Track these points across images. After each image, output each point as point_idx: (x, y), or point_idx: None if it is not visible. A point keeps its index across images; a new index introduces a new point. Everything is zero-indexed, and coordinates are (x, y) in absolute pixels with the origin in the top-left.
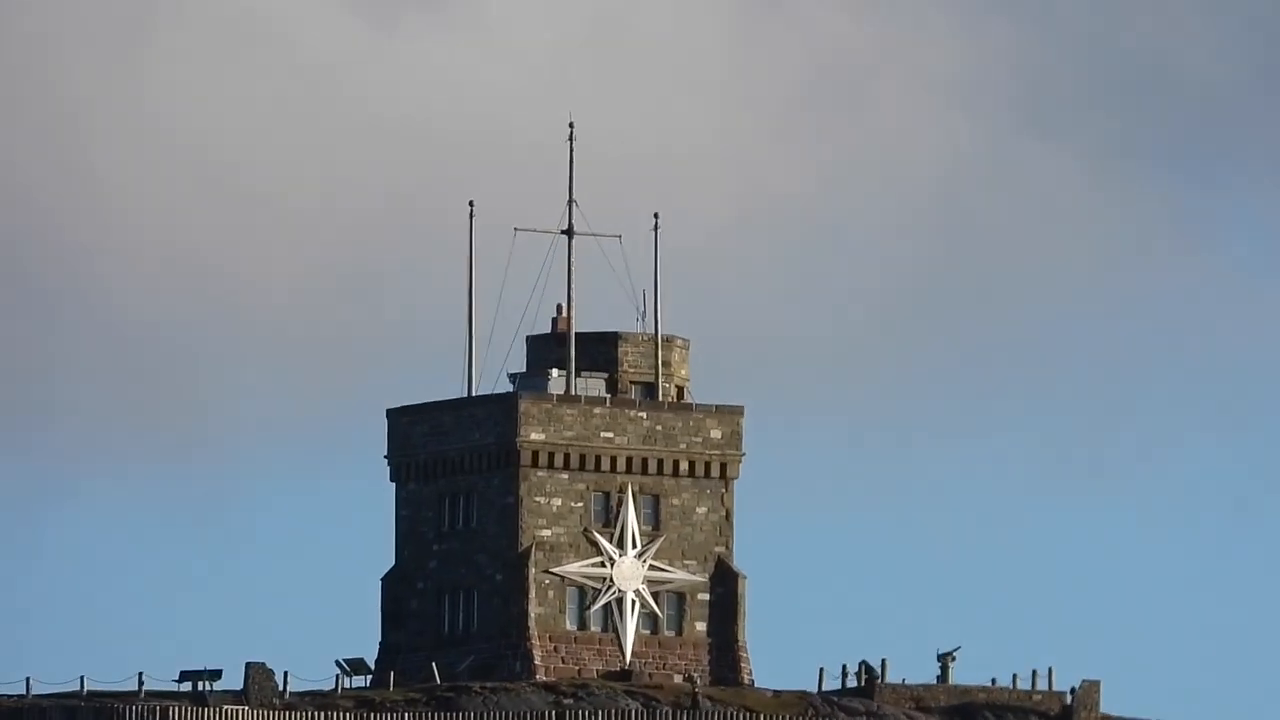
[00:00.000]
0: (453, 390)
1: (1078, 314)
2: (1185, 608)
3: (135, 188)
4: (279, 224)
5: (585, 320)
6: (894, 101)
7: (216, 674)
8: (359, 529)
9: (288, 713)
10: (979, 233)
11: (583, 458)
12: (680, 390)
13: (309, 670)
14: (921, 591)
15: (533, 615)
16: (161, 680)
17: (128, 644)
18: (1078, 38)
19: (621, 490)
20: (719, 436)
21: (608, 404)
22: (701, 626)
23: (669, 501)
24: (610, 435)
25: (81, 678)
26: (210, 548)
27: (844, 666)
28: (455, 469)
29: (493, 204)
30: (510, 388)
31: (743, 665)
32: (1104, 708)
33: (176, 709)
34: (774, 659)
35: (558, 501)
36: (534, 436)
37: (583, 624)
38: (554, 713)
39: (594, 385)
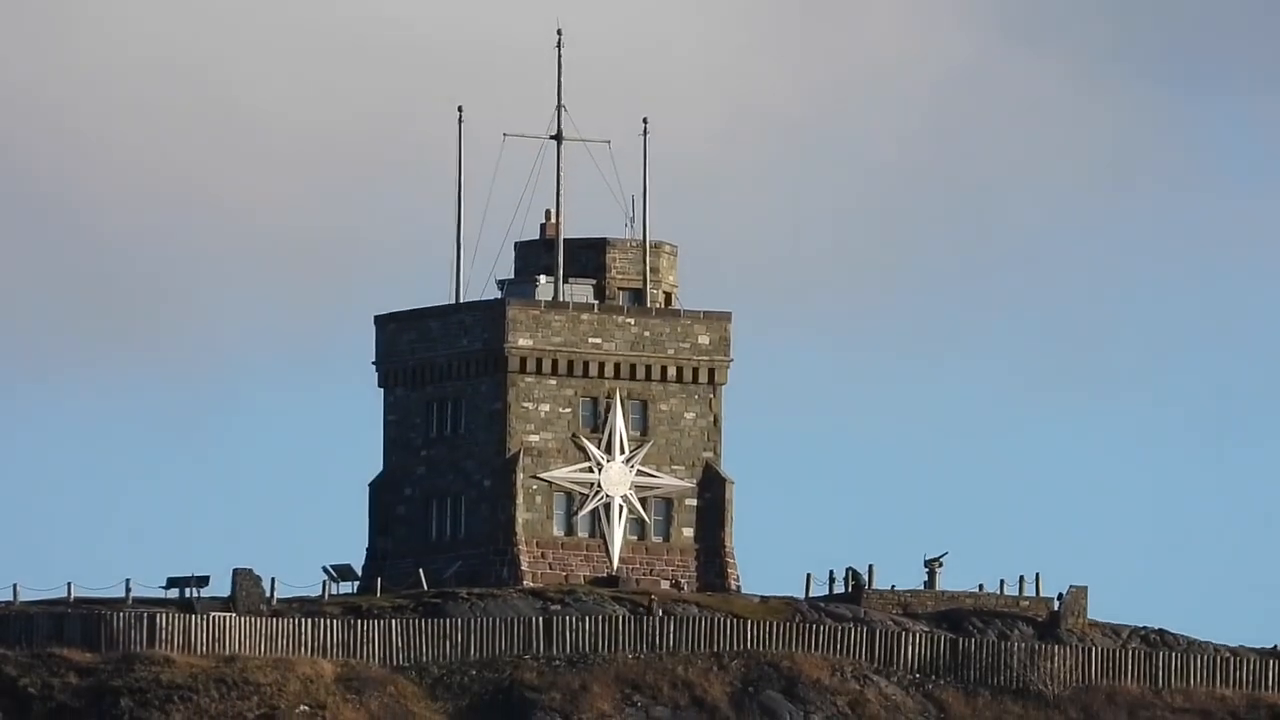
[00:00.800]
0: (441, 297)
1: (1067, 224)
2: (1171, 513)
3: (118, 100)
4: (266, 134)
5: (573, 226)
6: (884, 11)
7: (204, 580)
8: (347, 435)
9: (275, 619)
10: (969, 142)
11: (570, 364)
12: (668, 296)
13: (296, 577)
14: (908, 497)
15: (520, 521)
16: (149, 587)
17: (115, 551)
18: None
19: (609, 396)
20: (707, 342)
21: (595, 310)
22: (689, 532)
23: (657, 407)
24: (598, 341)
25: (69, 584)
26: (197, 454)
27: (831, 572)
28: (443, 375)
29: (481, 110)
30: (498, 294)
31: (730, 571)
32: (1091, 614)
33: (164, 616)
34: (761, 565)
35: (545, 407)
36: (522, 342)
37: (570, 530)
38: (541, 619)
39: (582, 291)
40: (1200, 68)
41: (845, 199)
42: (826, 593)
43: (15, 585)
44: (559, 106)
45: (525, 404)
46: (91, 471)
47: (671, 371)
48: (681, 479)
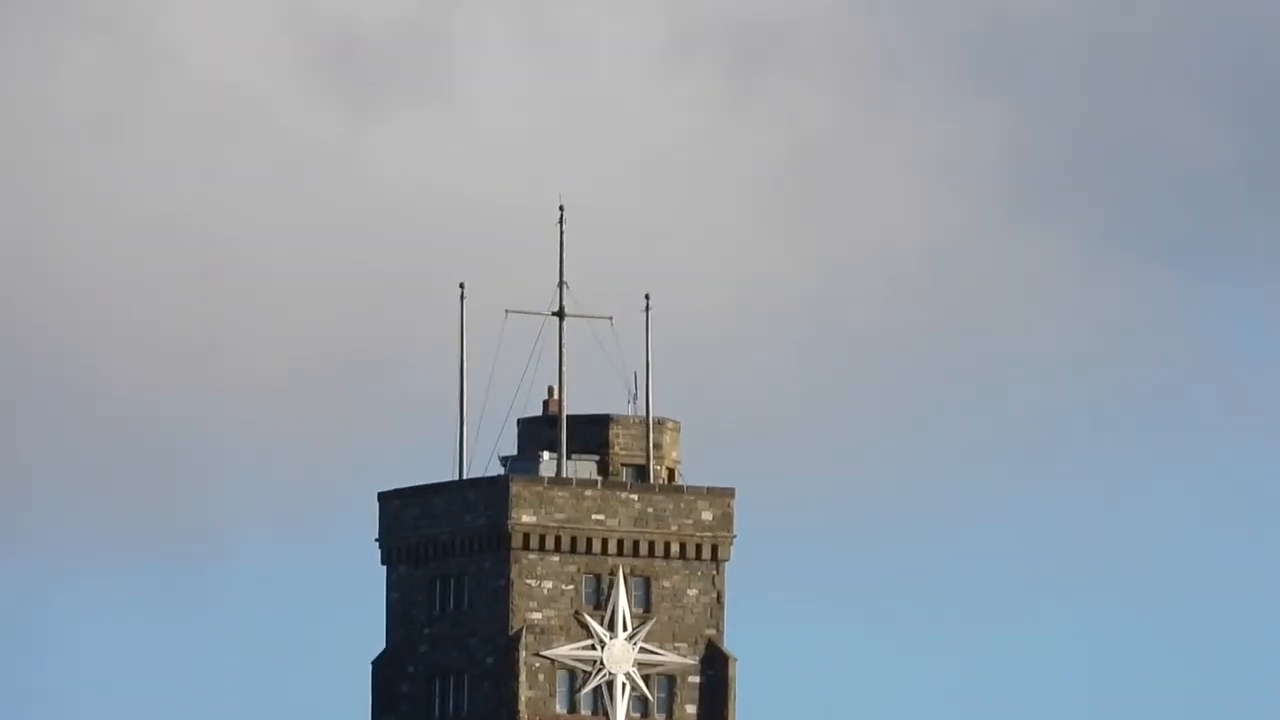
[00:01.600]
0: (443, 473)
1: (1072, 397)
2: (1185, 695)
3: (122, 274)
4: (269, 310)
5: (576, 403)
6: (886, 187)
7: None
8: (350, 612)
9: None
10: (973, 318)
11: (574, 540)
12: (671, 472)
13: None
14: (912, 675)
15: (523, 698)
16: None
17: None
18: (1065, 119)
19: (613, 573)
20: (710, 518)
21: (599, 486)
22: (692, 709)
23: (660, 584)
24: (601, 517)
25: None
26: (201, 633)
27: None
28: (446, 552)
29: (483, 286)
30: (501, 470)
31: None
32: None
33: None
34: None
35: (549, 584)
36: (525, 519)
37: (573, 707)
38: None
39: (585, 468)
40: (1202, 249)
41: (849, 374)
42: None
43: None
44: (561, 283)
45: (528, 581)
46: (91, 651)
47: (675, 548)
48: (684, 656)
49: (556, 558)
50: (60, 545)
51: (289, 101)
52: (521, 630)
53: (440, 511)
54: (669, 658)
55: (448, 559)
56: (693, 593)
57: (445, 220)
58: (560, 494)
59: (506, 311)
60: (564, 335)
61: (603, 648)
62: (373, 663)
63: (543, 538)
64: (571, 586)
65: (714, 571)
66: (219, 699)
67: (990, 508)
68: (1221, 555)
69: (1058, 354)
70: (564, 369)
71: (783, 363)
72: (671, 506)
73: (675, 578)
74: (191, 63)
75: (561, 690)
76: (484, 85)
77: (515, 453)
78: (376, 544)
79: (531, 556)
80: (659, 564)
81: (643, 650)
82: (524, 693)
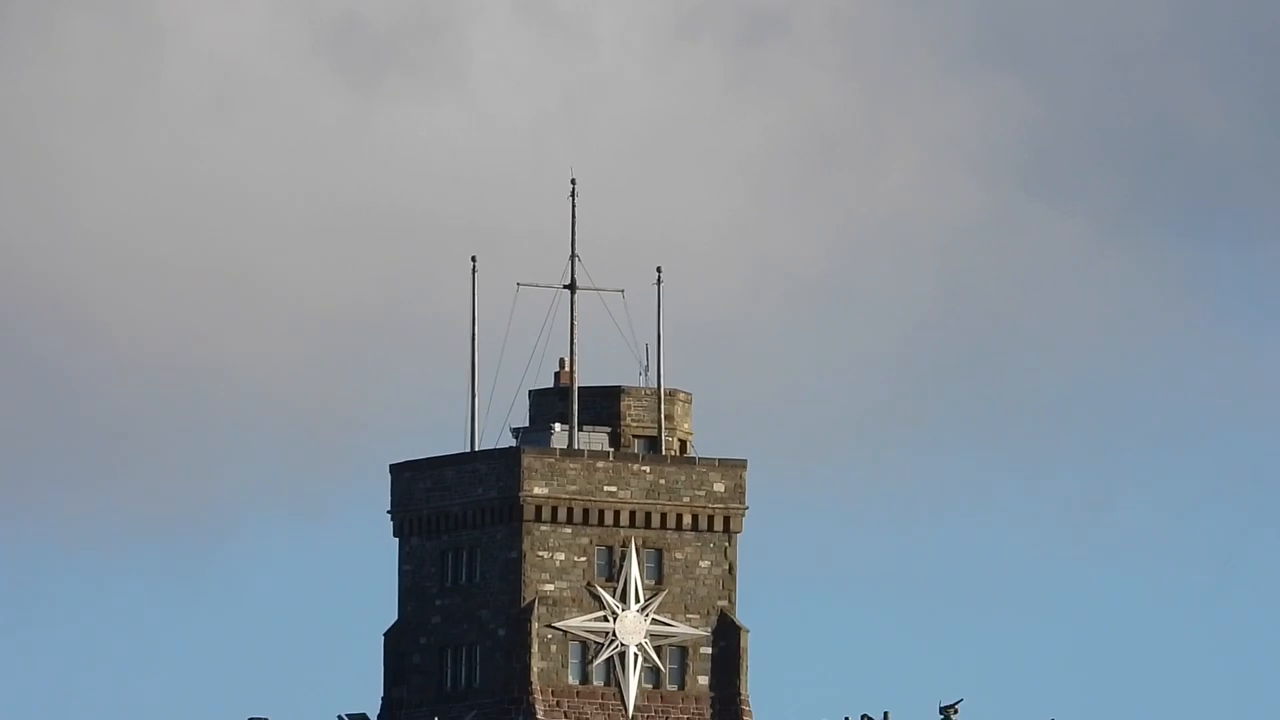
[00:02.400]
0: (455, 445)
1: (1084, 378)
2: (1191, 665)
3: (130, 266)
4: (282, 284)
5: (588, 375)
6: (900, 165)
7: None
8: (361, 584)
9: None
10: (986, 295)
11: (586, 512)
12: (683, 444)
13: None
14: (923, 645)
15: (535, 670)
16: None
17: (132, 702)
18: (1080, 97)
19: (624, 544)
20: (722, 490)
21: (611, 458)
22: (704, 680)
23: (672, 555)
24: (613, 489)
25: None
26: (211, 602)
27: (846, 719)
28: (458, 524)
29: (495, 260)
30: (513, 442)
31: (746, 719)
32: None
33: None
34: (777, 713)
35: (561, 556)
36: (537, 491)
37: (585, 678)
38: None
39: (597, 439)
40: (1217, 221)
41: (861, 347)
42: None
43: None
44: (573, 256)
45: (540, 553)
46: (103, 623)
47: (687, 520)
48: (696, 627)
49: (569, 529)
50: (67, 518)
51: (295, 81)
52: (534, 602)
53: (452, 483)
54: (681, 629)
55: (460, 531)
56: (705, 564)
57: (456, 194)
58: (572, 466)
59: (518, 284)
60: (575, 308)
61: (615, 619)
62: (384, 634)
63: (555, 509)
64: (584, 558)
65: (726, 543)
66: (230, 670)
67: (1002, 484)
68: (1232, 533)
69: (1070, 333)
70: (575, 341)
71: (795, 335)
72: (683, 478)
73: (687, 549)
74: (198, 45)
75: (574, 662)
76: (495, 59)
77: (527, 424)
78: (388, 516)
79: (543, 528)
80: (671, 535)
81: (655, 622)
82: (536, 664)
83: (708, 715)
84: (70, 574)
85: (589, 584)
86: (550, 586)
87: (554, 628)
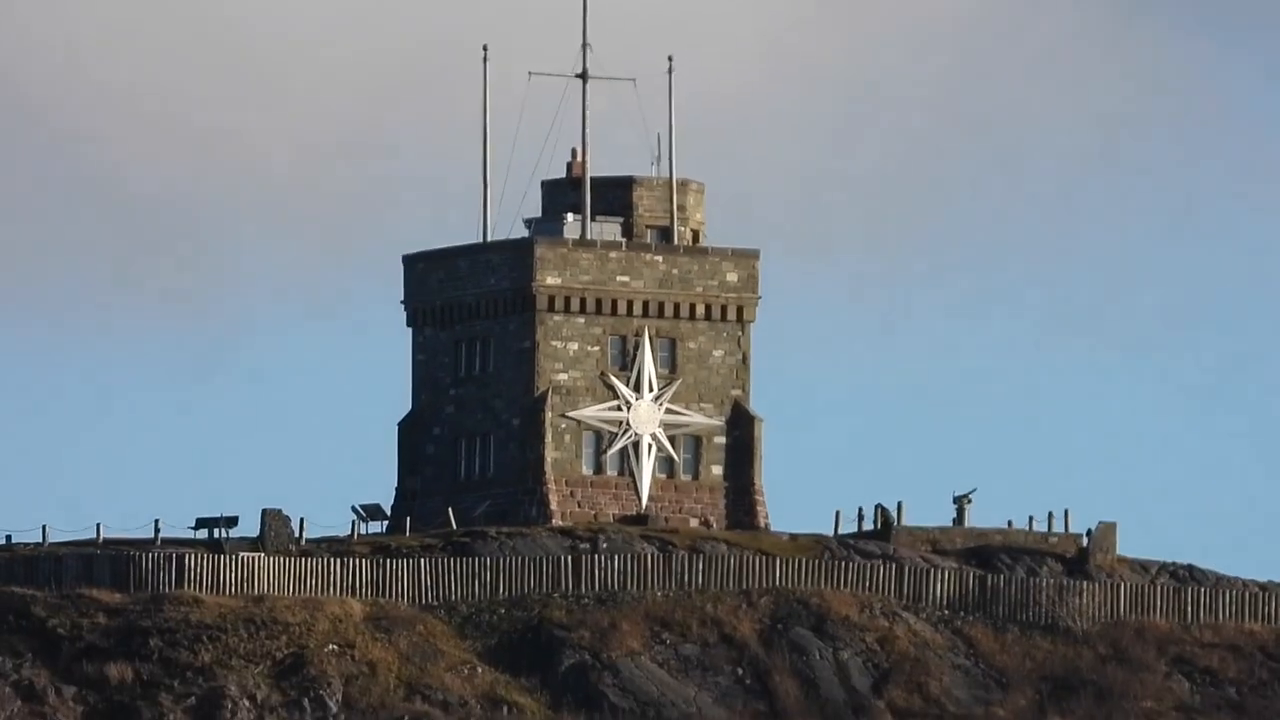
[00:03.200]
0: (468, 236)
1: (1099, 168)
2: (1200, 448)
3: (132, 46)
4: (291, 76)
5: (600, 165)
6: None
7: (232, 521)
8: (375, 375)
9: (304, 559)
10: (999, 81)
11: (599, 302)
12: (696, 234)
13: (325, 517)
14: (937, 434)
15: (549, 460)
16: (177, 527)
17: (143, 492)
18: None
19: (638, 334)
20: (735, 280)
21: (623, 248)
22: (718, 470)
23: (685, 345)
24: (626, 279)
25: (98, 525)
26: (225, 394)
27: (860, 510)
28: (471, 314)
29: (506, 49)
30: (525, 233)
31: (759, 509)
32: (1120, 550)
33: (192, 556)
34: (790, 503)
35: (574, 346)
36: (549, 281)
37: (599, 468)
38: (569, 557)
39: (609, 230)
40: (1230, 14)
41: (873, 136)
42: (855, 530)
43: (44, 526)
44: (584, 45)
45: (553, 342)
46: (119, 412)
47: (700, 309)
48: (710, 417)
49: (581, 319)
50: (91, 308)
51: None
52: (547, 391)
53: (465, 274)
54: (695, 418)
55: (473, 321)
56: (718, 354)
57: None
58: (585, 256)
59: (529, 73)
60: (587, 97)
61: (629, 409)
62: (398, 424)
63: (568, 299)
64: (597, 348)
65: (739, 333)
66: (247, 462)
67: (1017, 269)
68: (1230, 323)
69: (1082, 122)
70: (587, 131)
71: (807, 125)
72: (696, 268)
73: (700, 339)
74: None
75: (587, 451)
76: None
77: (539, 215)
78: (401, 307)
79: (556, 318)
80: (684, 325)
81: (669, 411)
82: (550, 454)
83: (721, 505)
84: (85, 367)
85: (602, 374)
86: (564, 376)
87: (567, 417)
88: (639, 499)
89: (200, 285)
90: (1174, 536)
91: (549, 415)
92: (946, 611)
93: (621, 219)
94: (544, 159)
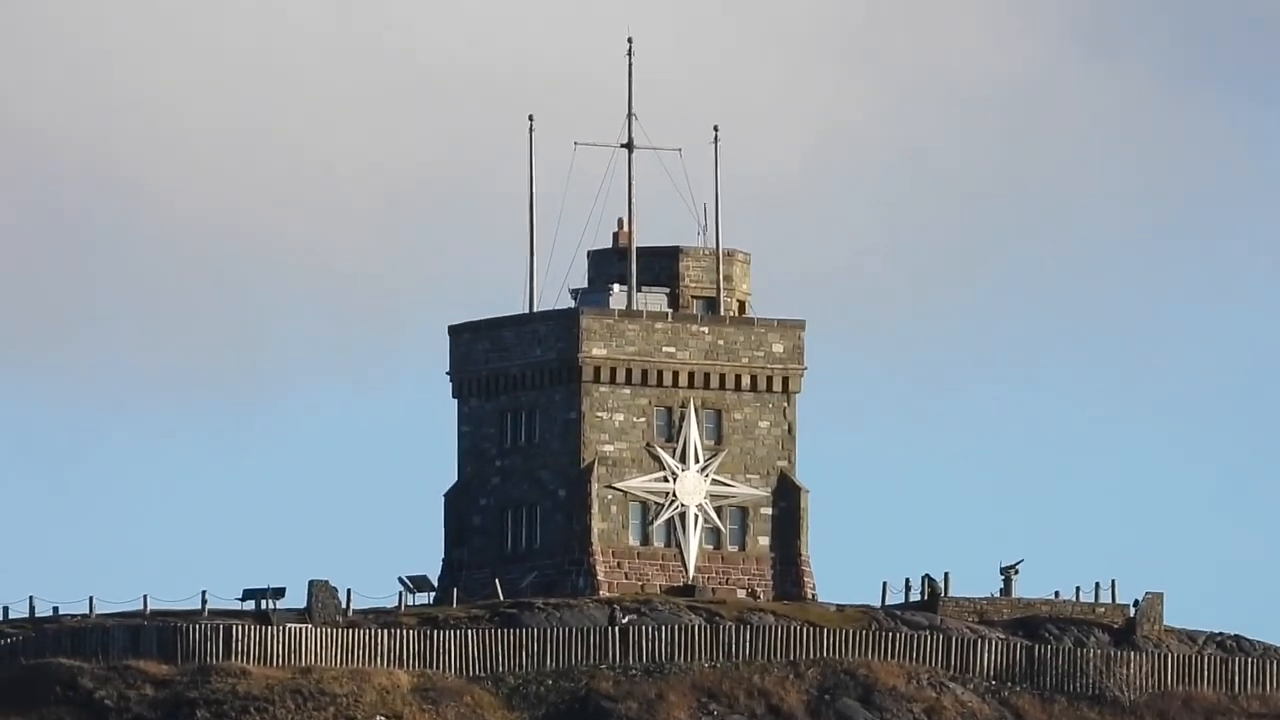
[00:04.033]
0: (514, 306)
1: (1141, 236)
2: (1247, 518)
3: (176, 114)
4: (341, 144)
5: (646, 235)
6: (956, 24)
7: (280, 592)
8: (422, 446)
9: (351, 630)
10: (1043, 153)
11: (645, 373)
12: (742, 304)
13: (372, 588)
14: (984, 505)
15: (595, 531)
16: (225, 599)
17: (191, 563)
18: None
19: (684, 405)
20: (781, 350)
21: (669, 319)
22: (764, 541)
23: (731, 416)
24: (672, 350)
25: (145, 597)
26: (273, 466)
27: (907, 580)
28: (517, 385)
29: (552, 119)
30: (572, 303)
31: (806, 580)
32: (1167, 620)
33: (239, 627)
34: (837, 573)
35: (620, 417)
36: (596, 352)
37: (645, 539)
38: (616, 629)
39: (655, 300)
40: (1273, 81)
41: (918, 207)
42: (902, 601)
43: (91, 598)
44: (629, 115)
45: (600, 413)
46: (168, 484)
47: (746, 380)
48: (756, 488)
49: (627, 390)
50: (133, 380)
51: None
52: (593, 463)
53: (511, 344)
54: (741, 489)
55: (519, 392)
56: (764, 424)
57: (515, 54)
58: (631, 326)
59: (575, 143)
60: (633, 167)
61: (675, 480)
62: (445, 495)
63: (614, 370)
64: (643, 419)
65: (785, 404)
66: (294, 533)
67: (1062, 339)
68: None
69: (1124, 189)
70: (633, 201)
71: (852, 196)
72: (742, 339)
73: (746, 410)
74: None
75: (634, 523)
76: None
77: (586, 285)
78: (448, 377)
79: (603, 389)
80: (730, 396)
81: (715, 482)
82: (597, 525)
83: (768, 576)
84: (132, 439)
85: (648, 444)
86: (610, 447)
87: (614, 488)
88: (686, 570)
89: (248, 357)
90: (1221, 606)
91: (595, 486)
92: (994, 682)
93: (668, 289)
94: (590, 229)
